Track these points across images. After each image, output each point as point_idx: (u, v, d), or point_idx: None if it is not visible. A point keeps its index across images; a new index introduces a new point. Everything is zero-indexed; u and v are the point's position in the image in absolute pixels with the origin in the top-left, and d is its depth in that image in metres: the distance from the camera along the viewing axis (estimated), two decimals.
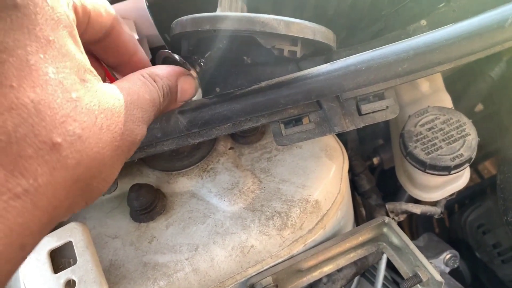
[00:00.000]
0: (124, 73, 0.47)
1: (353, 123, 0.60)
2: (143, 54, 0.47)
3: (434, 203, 0.85)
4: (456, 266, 0.85)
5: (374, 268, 0.79)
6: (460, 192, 0.88)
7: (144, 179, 0.72)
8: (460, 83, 1.07)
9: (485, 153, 1.28)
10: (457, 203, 1.38)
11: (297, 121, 0.62)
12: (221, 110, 0.55)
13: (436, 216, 0.82)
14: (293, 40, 0.55)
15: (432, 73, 0.50)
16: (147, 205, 0.66)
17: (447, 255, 0.85)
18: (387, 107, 0.58)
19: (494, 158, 1.40)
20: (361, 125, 0.59)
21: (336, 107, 0.60)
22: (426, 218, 1.39)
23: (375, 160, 0.97)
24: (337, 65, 0.52)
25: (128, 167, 0.73)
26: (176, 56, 0.49)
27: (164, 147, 0.61)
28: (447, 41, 0.50)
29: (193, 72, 0.49)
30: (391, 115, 0.59)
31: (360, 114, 0.60)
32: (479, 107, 1.29)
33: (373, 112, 0.59)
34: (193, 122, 0.55)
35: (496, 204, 1.23)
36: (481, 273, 1.24)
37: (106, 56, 0.45)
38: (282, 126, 0.61)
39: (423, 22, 0.63)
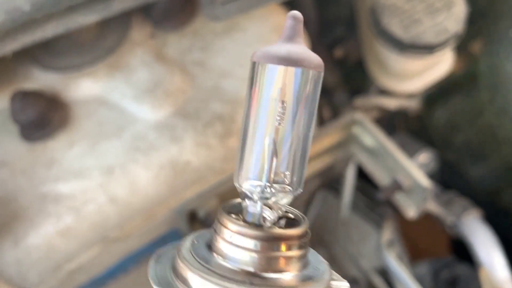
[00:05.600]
0: None
1: None
2: None
3: (409, 96, 0.72)
4: (432, 166, 0.74)
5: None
6: (426, 90, 0.78)
7: (33, 84, 0.56)
8: None
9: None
10: (423, 102, 1.30)
11: None
12: None
13: (411, 111, 0.70)
14: None
15: None
16: (39, 118, 0.52)
17: (423, 155, 0.74)
18: None
19: (461, 50, 1.30)
20: None
21: None
22: (388, 121, 1.31)
23: (338, 52, 0.82)
24: None
25: (11, 70, 0.57)
26: None
27: (46, 31, 0.45)
28: None
29: None
30: None
31: None
32: None
33: None
34: None
35: (467, 100, 1.15)
36: (448, 175, 1.19)
37: None
38: None
39: None
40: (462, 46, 1.22)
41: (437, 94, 1.25)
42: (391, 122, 1.30)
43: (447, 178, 1.18)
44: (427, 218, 0.78)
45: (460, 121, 1.13)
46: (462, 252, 0.84)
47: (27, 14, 0.41)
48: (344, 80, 0.76)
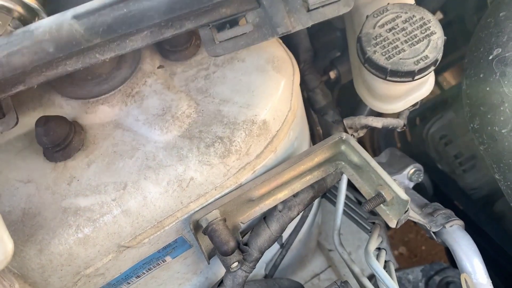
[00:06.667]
0: None
1: (300, 22, 0.50)
2: None
3: (396, 115, 0.77)
4: (420, 180, 0.80)
5: (336, 188, 0.73)
6: (421, 105, 0.83)
7: (56, 110, 0.61)
8: None
9: (445, 63, 1.23)
10: (418, 116, 1.35)
11: (232, 24, 0.51)
12: (127, 10, 0.43)
13: (399, 129, 0.75)
14: None
15: None
16: (60, 140, 0.57)
17: (410, 169, 0.80)
18: None
19: (453, 68, 1.36)
20: (310, 24, 0.49)
21: (279, 3, 0.49)
22: (387, 134, 1.36)
23: (332, 74, 0.88)
24: None
25: (37, 98, 0.62)
26: None
27: (67, 67, 0.50)
28: None
29: None
30: (344, 8, 0.49)
31: (308, 10, 0.49)
32: (439, 15, 1.22)
33: (322, 7, 0.49)
34: (93, 29, 0.44)
35: (458, 114, 1.20)
36: (443, 184, 1.24)
37: None
38: (214, 31, 0.50)
39: None
40: (457, 65, 1.28)
41: (432, 109, 1.31)
42: (392, 137, 1.37)
43: (443, 188, 1.24)
44: None
45: (452, 134, 1.19)
46: None
47: (51, 54, 0.45)
48: (337, 100, 0.82)
